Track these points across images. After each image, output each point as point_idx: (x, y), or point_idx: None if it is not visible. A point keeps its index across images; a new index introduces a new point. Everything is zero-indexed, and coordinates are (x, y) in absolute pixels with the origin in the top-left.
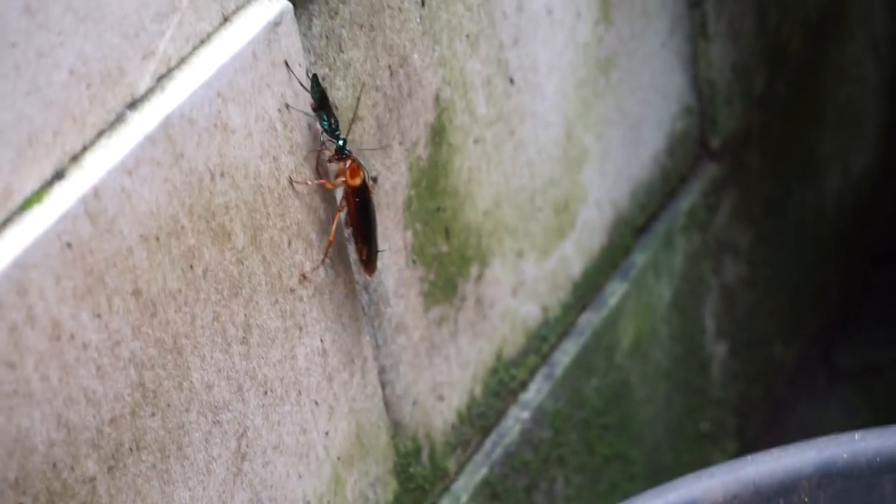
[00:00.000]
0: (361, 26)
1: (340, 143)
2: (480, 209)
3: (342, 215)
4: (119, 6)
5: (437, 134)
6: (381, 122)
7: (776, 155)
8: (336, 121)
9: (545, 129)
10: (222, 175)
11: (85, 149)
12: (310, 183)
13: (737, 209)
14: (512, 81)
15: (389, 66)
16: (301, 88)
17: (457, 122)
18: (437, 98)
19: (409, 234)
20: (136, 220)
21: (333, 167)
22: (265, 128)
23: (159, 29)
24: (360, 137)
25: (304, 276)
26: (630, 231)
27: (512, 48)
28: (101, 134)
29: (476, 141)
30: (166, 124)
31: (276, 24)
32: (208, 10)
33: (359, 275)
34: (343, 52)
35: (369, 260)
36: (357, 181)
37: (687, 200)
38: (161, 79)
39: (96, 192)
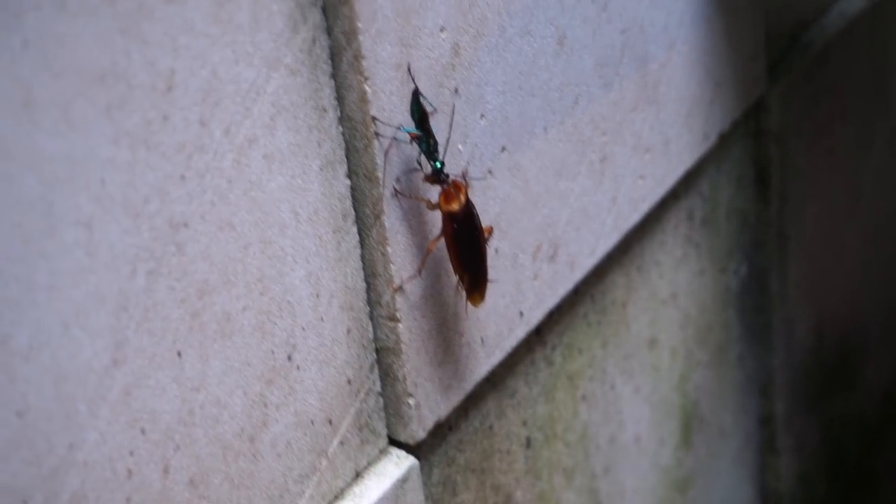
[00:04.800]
0: (474, 471)
1: (438, 164)
2: None
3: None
4: (269, 471)
5: None
6: None
7: None
8: (435, 142)
9: None
10: None
11: None
12: (413, 197)
13: None
14: None
15: None
16: None
17: None
18: None
19: None
20: None
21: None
22: None
23: (300, 489)
24: None
25: (398, 288)
26: None
27: (603, 477)
28: None
29: None
30: None
31: (404, 480)
32: (344, 469)
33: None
34: (456, 496)
35: (471, 288)
36: (453, 206)
37: None
38: None
39: None
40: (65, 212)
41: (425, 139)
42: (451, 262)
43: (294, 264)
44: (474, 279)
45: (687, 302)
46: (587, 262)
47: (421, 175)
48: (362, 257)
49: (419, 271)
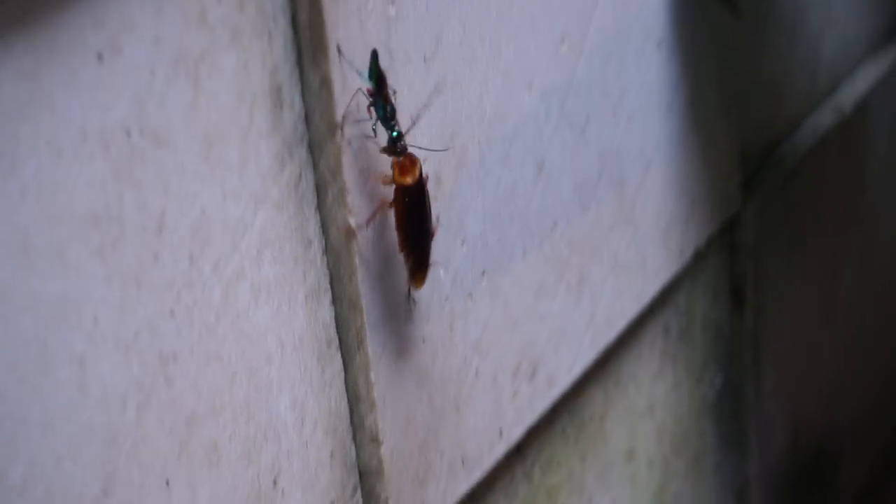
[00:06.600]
0: None
1: (395, 134)
2: None
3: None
4: None
5: None
6: None
7: None
8: (392, 109)
9: None
10: None
11: None
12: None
13: None
14: None
15: None
16: None
17: None
18: None
19: None
20: None
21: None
22: None
23: None
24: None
25: (351, 229)
26: None
27: None
28: None
29: None
30: None
31: None
32: None
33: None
34: None
35: (415, 268)
36: (407, 180)
37: None
38: None
39: None
40: (58, 350)
41: (382, 104)
42: (398, 239)
43: (279, 392)
44: (419, 260)
45: (664, 413)
46: (565, 380)
47: (374, 149)
48: (346, 381)
49: (368, 223)
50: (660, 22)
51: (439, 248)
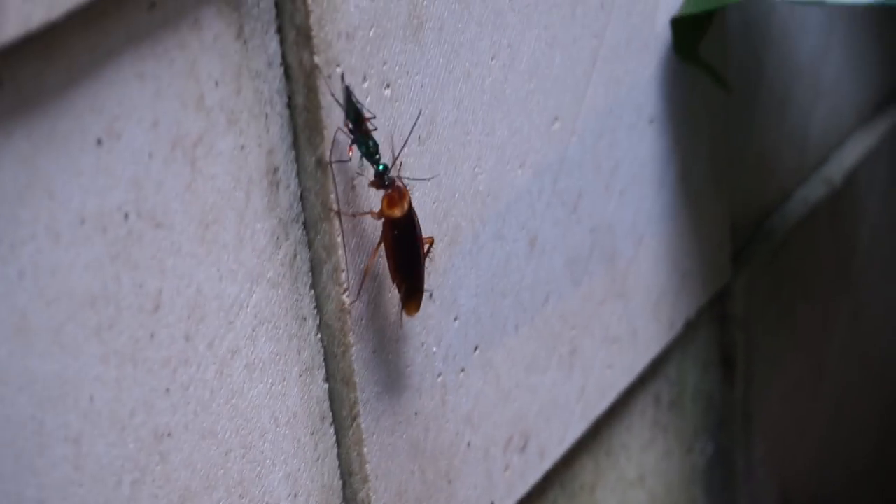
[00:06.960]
0: None
1: (381, 168)
2: None
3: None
4: None
5: None
6: None
7: None
8: (375, 143)
9: None
10: None
11: None
12: (355, 215)
13: None
14: None
15: None
16: None
17: None
18: None
19: None
20: None
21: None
22: None
23: None
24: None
25: (345, 307)
26: None
27: None
28: None
29: None
30: None
31: None
32: None
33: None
34: None
35: (408, 297)
36: (395, 212)
37: None
38: None
39: None
40: (55, 429)
41: (364, 140)
42: (390, 269)
43: (273, 467)
44: (411, 288)
45: (654, 482)
46: (556, 451)
47: (362, 185)
48: (339, 456)
49: (358, 293)
50: (651, 99)
51: (432, 324)
